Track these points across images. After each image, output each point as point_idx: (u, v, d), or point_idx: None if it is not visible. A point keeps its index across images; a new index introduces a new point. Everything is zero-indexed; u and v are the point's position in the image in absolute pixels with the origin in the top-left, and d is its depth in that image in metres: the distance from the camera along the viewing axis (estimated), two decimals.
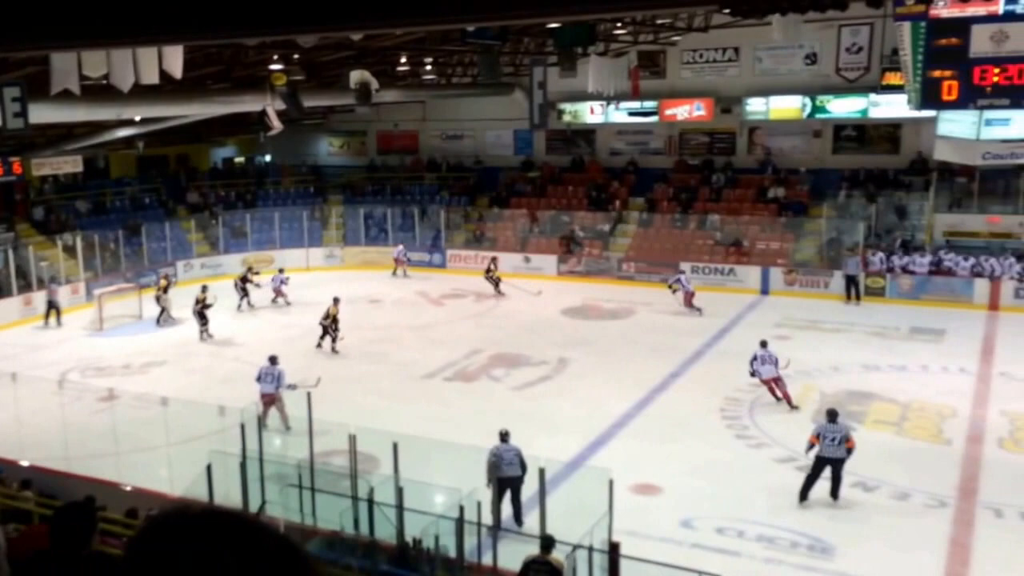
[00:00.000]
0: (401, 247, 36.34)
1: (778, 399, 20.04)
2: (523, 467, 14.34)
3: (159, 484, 15.59)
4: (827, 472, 15.20)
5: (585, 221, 36.56)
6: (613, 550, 11.64)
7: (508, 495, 14.41)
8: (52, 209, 36.27)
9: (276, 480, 15.11)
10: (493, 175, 40.43)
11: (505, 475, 14.36)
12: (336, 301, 25.59)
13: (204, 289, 27.36)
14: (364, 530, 13.32)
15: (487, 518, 13.18)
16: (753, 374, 20.12)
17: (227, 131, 40.97)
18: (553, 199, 38.30)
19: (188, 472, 14.59)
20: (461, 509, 12.15)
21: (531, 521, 13.73)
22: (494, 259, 33.40)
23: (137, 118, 29.77)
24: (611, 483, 12.57)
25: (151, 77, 17.36)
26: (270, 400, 18.94)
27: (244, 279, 30.73)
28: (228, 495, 13.65)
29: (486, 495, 13.78)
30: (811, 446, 15.21)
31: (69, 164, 34.61)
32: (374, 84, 26.40)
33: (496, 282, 32.40)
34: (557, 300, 30.66)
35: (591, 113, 38.10)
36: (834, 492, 15.27)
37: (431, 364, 23.84)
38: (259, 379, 19.13)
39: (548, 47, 28.33)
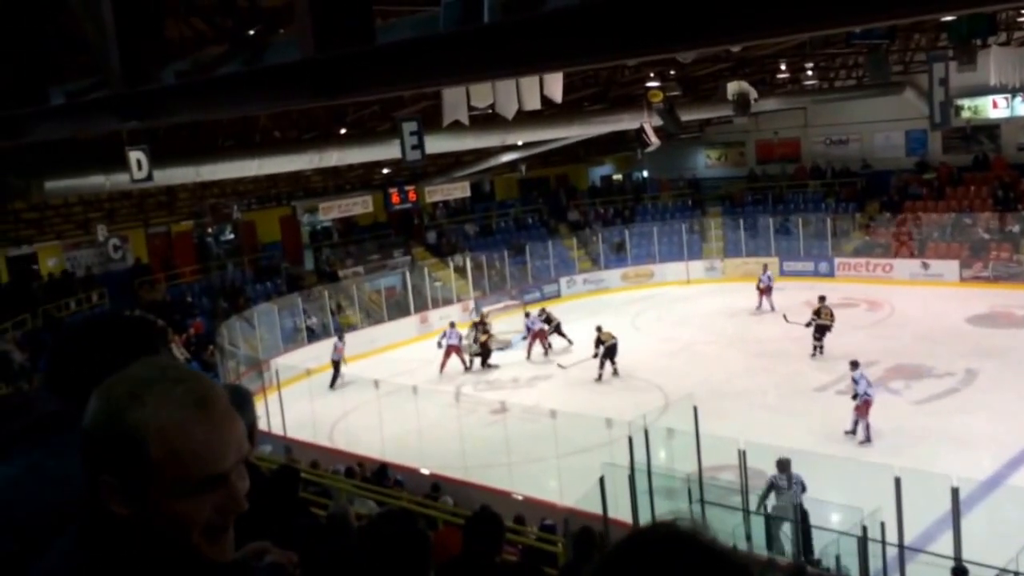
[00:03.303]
0: (765, 273, 31.57)
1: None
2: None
3: (549, 494, 15.77)
4: None
5: (991, 223, 33.65)
6: None
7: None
8: (443, 232, 38.53)
9: (664, 494, 14.87)
10: (883, 179, 38.17)
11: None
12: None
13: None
14: (756, 546, 12.79)
15: (892, 537, 12.21)
16: None
17: (604, 150, 41.68)
18: (952, 201, 35.57)
19: (577, 483, 14.63)
20: (864, 529, 11.30)
21: (944, 543, 12.47)
22: None
23: (519, 143, 30.96)
24: None
25: (533, 103, 17.94)
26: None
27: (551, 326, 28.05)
28: (617, 507, 13.51)
29: (890, 515, 12.80)
30: None
31: (458, 189, 37.41)
32: (752, 94, 25.85)
33: None
34: (960, 307, 28.26)
35: (994, 107, 34.97)
36: None
37: (821, 377, 22.65)
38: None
39: (942, 41, 26.41)
